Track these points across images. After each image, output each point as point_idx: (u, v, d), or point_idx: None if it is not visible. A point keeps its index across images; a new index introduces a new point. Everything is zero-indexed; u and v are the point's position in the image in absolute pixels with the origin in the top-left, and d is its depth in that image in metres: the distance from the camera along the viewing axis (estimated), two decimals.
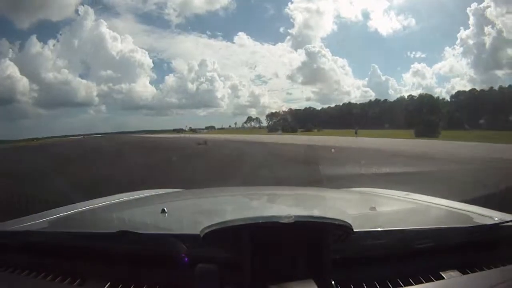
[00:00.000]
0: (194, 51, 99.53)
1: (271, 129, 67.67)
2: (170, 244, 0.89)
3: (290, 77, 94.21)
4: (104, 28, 78.21)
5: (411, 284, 0.87)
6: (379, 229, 0.99)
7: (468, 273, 0.92)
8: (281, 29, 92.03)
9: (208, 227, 0.78)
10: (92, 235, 1.07)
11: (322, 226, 0.81)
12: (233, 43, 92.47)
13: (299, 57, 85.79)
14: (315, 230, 0.81)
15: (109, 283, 0.87)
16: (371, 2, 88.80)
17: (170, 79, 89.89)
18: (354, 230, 0.82)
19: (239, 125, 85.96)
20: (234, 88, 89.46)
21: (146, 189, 2.23)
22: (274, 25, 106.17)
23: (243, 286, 0.78)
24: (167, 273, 0.88)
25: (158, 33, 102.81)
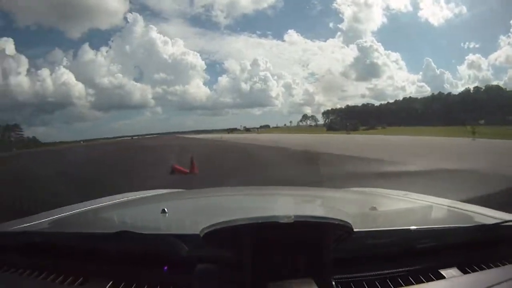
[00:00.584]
0: (245, 51, 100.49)
1: (329, 127, 65.53)
2: (170, 244, 0.90)
3: (344, 74, 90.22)
4: (154, 33, 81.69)
5: (412, 284, 0.86)
6: (379, 228, 1.00)
7: (469, 272, 0.91)
8: (331, 25, 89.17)
9: (208, 227, 0.79)
10: (93, 235, 1.08)
11: (322, 226, 0.80)
12: (284, 41, 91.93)
13: (351, 52, 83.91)
14: (315, 230, 0.81)
15: (110, 282, 0.88)
16: None
17: (223, 80, 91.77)
18: (354, 229, 0.82)
19: (295, 123, 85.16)
20: (287, 86, 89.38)
21: (145, 190, 2.26)
22: (323, 21, 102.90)
23: (243, 286, 0.78)
24: (168, 273, 0.89)
25: (208, 35, 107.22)
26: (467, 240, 1.00)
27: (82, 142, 69.82)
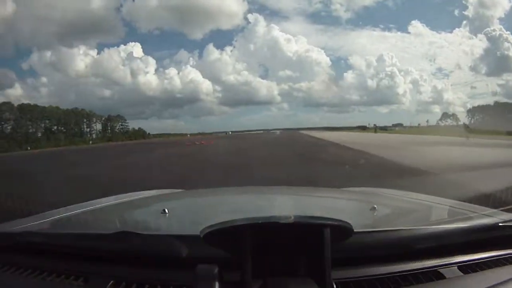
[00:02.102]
0: (370, 46, 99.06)
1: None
2: (170, 244, 0.90)
3: (473, 68, 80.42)
4: (276, 32, 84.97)
5: (412, 284, 0.86)
6: (379, 229, 1.00)
7: (470, 272, 0.91)
8: (456, 12, 78.56)
9: (208, 227, 0.79)
10: (93, 235, 1.08)
11: (322, 226, 0.80)
12: (408, 33, 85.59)
13: (480, 43, 73.51)
14: (315, 230, 0.80)
15: (110, 283, 0.88)
16: None
17: (349, 76, 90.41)
18: (354, 230, 0.82)
19: (432, 122, 76.13)
20: (415, 83, 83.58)
21: (145, 190, 2.24)
22: (447, 9, 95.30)
23: (243, 287, 0.78)
24: (168, 273, 0.89)
25: (331, 31, 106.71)
26: (467, 240, 1.00)
27: (188, 135, 74.55)
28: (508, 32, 68.65)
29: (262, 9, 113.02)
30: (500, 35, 68.93)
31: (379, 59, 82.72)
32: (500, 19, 73.45)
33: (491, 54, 70.85)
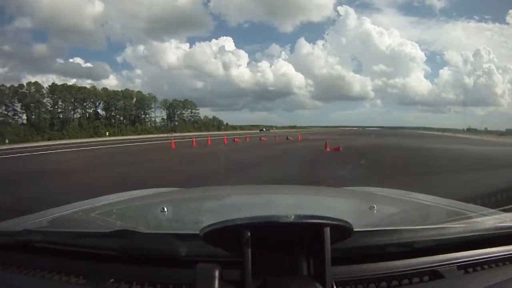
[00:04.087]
0: (465, 40, 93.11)
1: None
2: (170, 243, 0.90)
3: None
4: (368, 25, 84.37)
5: (411, 283, 0.87)
6: (379, 228, 1.00)
7: (468, 272, 0.92)
8: None
9: (208, 226, 0.79)
10: (92, 234, 1.08)
11: (321, 225, 0.80)
12: (506, 24, 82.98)
13: None
14: (315, 229, 0.81)
15: (109, 281, 0.88)
16: None
17: (445, 73, 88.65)
18: (354, 229, 0.83)
19: None
20: None
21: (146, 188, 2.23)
22: None
23: (243, 286, 0.78)
24: (168, 272, 0.89)
25: (424, 23, 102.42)
26: (466, 239, 1.00)
27: (262, 129, 71.36)
28: None
29: (352, 1, 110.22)
30: None
31: (476, 54, 78.06)
32: None
33: None
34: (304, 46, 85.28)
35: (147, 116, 67.34)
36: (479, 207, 1.38)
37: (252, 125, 77.54)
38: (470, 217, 1.26)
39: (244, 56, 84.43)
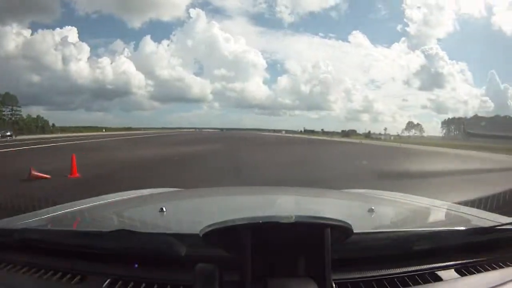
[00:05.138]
0: (307, 52, 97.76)
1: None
2: (169, 243, 0.90)
3: (406, 82, 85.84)
4: (216, 30, 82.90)
5: (409, 286, 0.87)
6: (378, 230, 1.01)
7: (466, 275, 0.92)
8: (398, 27, 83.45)
9: (208, 226, 0.79)
10: (91, 233, 1.07)
11: (322, 226, 0.80)
12: (347, 42, 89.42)
13: (416, 59, 78.77)
14: (315, 231, 0.81)
15: (107, 281, 0.88)
16: None
17: (283, 80, 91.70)
18: (354, 231, 0.82)
19: (393, 130, 77.27)
20: (347, 91, 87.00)
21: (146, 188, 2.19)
22: (389, 24, 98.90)
23: (243, 286, 0.78)
24: (166, 272, 0.89)
25: (271, 34, 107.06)
26: (464, 243, 1.00)
27: (104, 130, 65.16)
28: (444, 52, 74.43)
29: (206, 4, 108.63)
30: (436, 53, 74.14)
31: (315, 65, 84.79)
32: (438, 39, 79.48)
33: (425, 70, 75.16)
34: (148, 44, 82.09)
35: None
36: (478, 210, 1.38)
37: (85, 127, 67.47)
38: (468, 220, 1.26)
39: (86, 50, 75.48)
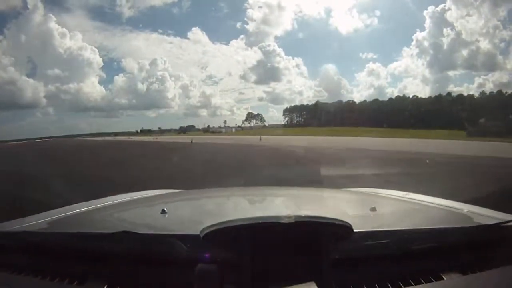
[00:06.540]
0: (145, 50, 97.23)
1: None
2: (170, 244, 0.90)
3: (243, 77, 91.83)
4: (53, 24, 75.64)
5: (411, 285, 0.86)
6: (379, 229, 1.00)
7: (468, 273, 0.91)
8: (237, 25, 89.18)
9: (208, 227, 0.79)
10: (92, 235, 1.07)
11: (322, 226, 0.80)
12: (186, 39, 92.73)
13: (253, 55, 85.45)
14: (315, 230, 0.81)
15: (108, 282, 0.88)
16: None
17: (119, 79, 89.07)
18: (354, 230, 0.82)
19: (232, 122, 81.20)
20: (184, 88, 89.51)
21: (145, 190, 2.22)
22: (229, 22, 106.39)
23: (243, 286, 0.78)
24: (167, 273, 0.89)
25: (109, 30, 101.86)
26: (466, 241, 1.00)
27: None
28: (281, 49, 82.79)
29: None
30: (274, 50, 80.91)
31: (152, 63, 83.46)
32: (276, 37, 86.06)
33: (262, 65, 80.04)
34: None
35: None
36: (480, 208, 1.37)
37: None
38: (470, 219, 1.25)
39: None
